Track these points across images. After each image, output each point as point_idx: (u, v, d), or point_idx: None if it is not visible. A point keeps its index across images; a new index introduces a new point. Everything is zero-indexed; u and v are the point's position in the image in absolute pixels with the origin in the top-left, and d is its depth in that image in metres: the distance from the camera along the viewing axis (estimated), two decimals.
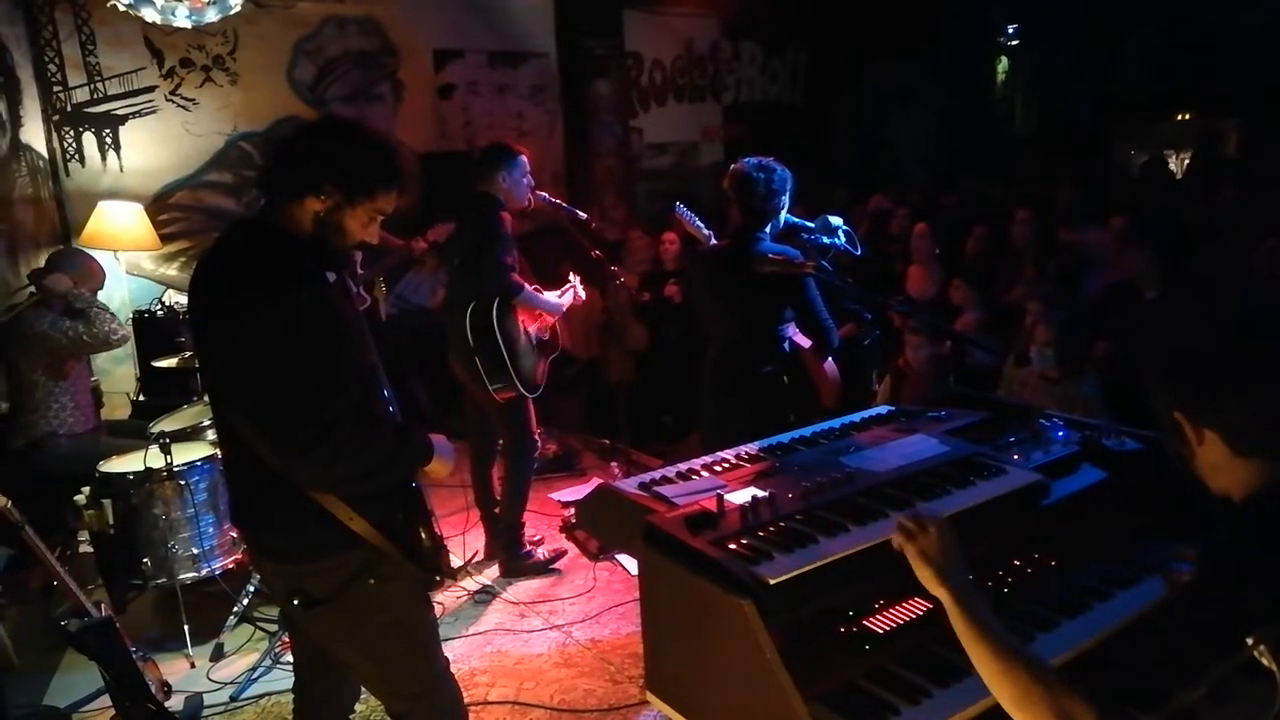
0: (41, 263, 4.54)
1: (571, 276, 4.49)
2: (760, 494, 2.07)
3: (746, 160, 3.60)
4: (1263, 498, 1.36)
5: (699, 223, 4.05)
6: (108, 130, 5.62)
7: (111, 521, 3.68)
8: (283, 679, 3.41)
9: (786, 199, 3.63)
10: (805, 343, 3.68)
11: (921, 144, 9.33)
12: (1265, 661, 1.19)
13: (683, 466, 2.42)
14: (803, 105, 9.21)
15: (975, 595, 1.55)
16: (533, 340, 4.20)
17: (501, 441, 4.34)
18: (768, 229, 3.60)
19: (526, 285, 4.07)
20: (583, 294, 4.50)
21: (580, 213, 4.60)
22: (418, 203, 5.74)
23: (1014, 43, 10.82)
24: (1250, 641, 1.19)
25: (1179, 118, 10.43)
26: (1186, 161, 9.63)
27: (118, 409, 5.20)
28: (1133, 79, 9.83)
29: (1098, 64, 10.04)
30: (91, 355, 4.47)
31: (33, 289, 4.24)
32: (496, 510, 4.42)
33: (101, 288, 4.46)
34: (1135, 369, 1.48)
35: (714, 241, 3.99)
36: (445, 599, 4.03)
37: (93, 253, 4.77)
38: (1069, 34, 9.87)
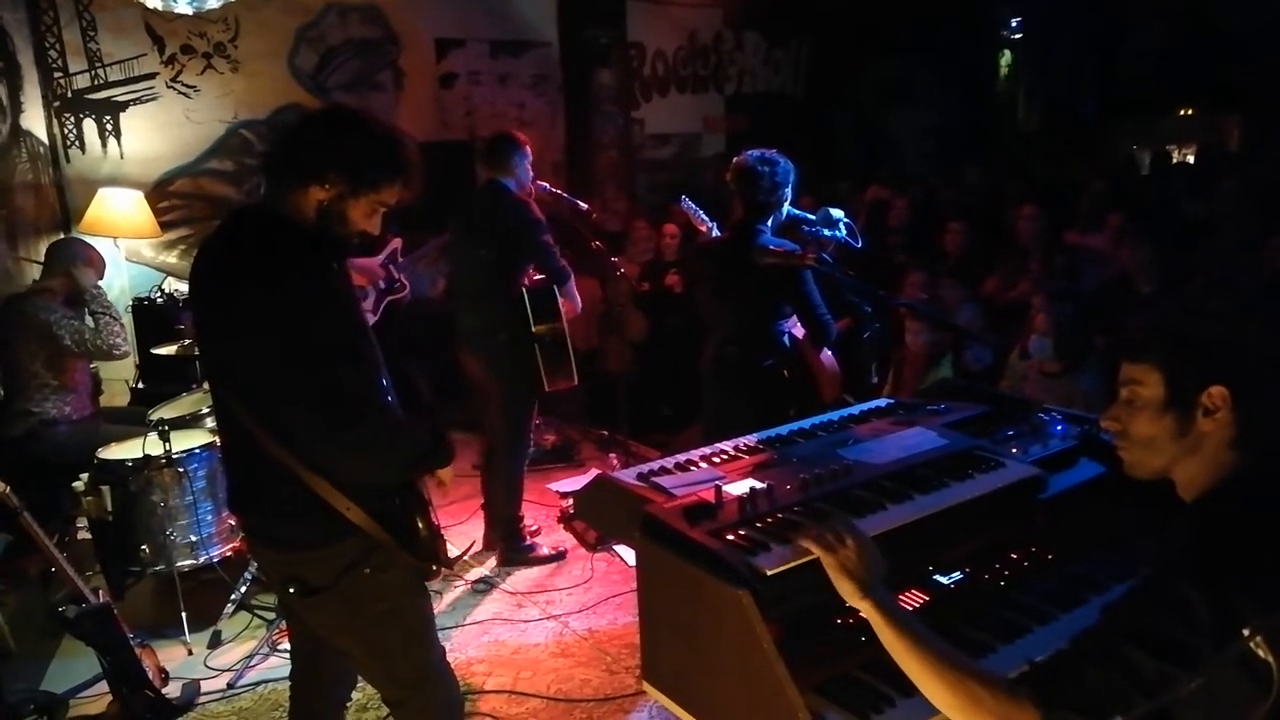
0: (41, 250, 4.53)
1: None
2: (758, 485, 2.07)
3: (749, 153, 3.58)
4: (1220, 492, 1.38)
5: (702, 215, 4.05)
6: (108, 117, 5.60)
7: (110, 508, 3.68)
8: (280, 666, 3.42)
9: (789, 191, 3.62)
10: (802, 333, 3.68)
11: (923, 137, 9.32)
12: (1262, 653, 1.19)
13: (681, 458, 2.42)
14: (805, 97, 9.19)
15: (900, 607, 1.56)
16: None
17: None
18: (769, 221, 3.59)
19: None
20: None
21: (581, 203, 4.59)
22: (419, 193, 5.73)
23: (1017, 36, 10.81)
24: (1247, 633, 1.19)
25: (1181, 113, 10.42)
26: (1191, 157, 9.63)
27: (117, 396, 5.20)
28: (1135, 74, 9.82)
29: (1100, 58, 10.03)
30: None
31: (43, 275, 4.23)
32: None
33: (102, 277, 4.46)
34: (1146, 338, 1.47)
35: (715, 234, 3.98)
36: (442, 588, 4.04)
37: (92, 240, 4.76)
38: (1072, 28, 9.87)
